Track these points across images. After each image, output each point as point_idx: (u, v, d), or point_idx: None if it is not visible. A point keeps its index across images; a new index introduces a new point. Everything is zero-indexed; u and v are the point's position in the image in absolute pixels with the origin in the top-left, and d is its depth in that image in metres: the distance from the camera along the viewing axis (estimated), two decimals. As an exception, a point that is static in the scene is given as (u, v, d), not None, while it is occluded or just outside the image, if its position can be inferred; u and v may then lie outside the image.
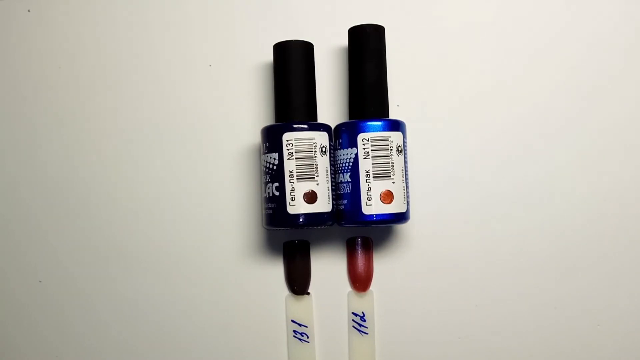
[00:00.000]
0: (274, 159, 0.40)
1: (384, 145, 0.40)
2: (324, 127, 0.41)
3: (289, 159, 0.40)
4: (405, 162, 0.41)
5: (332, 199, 0.41)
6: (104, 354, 0.45)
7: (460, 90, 0.45)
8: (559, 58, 0.45)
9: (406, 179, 0.41)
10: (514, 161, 0.45)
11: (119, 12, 0.46)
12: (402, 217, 0.41)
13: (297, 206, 0.40)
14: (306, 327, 0.44)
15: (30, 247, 0.46)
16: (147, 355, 0.45)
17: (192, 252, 0.45)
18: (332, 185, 0.41)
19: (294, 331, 0.44)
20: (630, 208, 0.45)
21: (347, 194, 0.41)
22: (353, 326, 0.44)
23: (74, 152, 0.46)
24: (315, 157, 0.40)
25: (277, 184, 0.40)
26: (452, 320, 0.45)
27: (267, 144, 0.41)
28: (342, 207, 0.41)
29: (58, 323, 0.46)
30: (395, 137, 0.41)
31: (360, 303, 0.44)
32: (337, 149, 0.41)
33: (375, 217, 0.40)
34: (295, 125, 0.40)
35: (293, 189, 0.40)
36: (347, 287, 0.45)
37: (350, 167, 0.41)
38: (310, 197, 0.40)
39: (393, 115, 0.44)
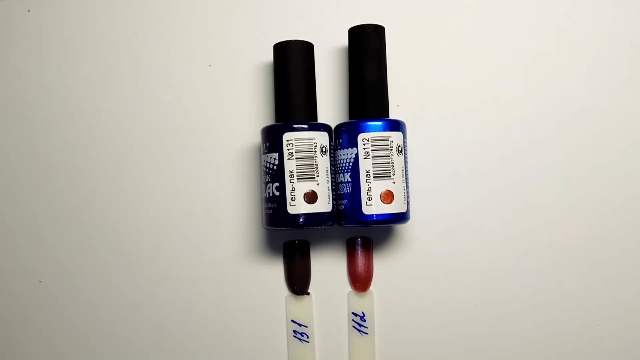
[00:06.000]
0: (274, 159, 0.40)
1: (384, 145, 0.40)
2: (324, 127, 0.41)
3: (289, 159, 0.40)
4: (406, 162, 0.41)
5: (332, 199, 0.41)
6: (104, 354, 0.45)
7: (460, 90, 0.45)
8: (559, 58, 0.45)
9: (406, 179, 0.41)
10: (514, 161, 0.45)
11: (119, 12, 0.46)
12: (402, 217, 0.41)
13: (298, 206, 0.40)
14: (306, 327, 0.44)
15: (30, 247, 0.46)
16: (147, 355, 0.45)
17: (192, 252, 0.45)
18: (332, 185, 0.41)
19: (294, 331, 0.44)
20: (630, 208, 0.45)
21: (347, 194, 0.41)
22: (353, 326, 0.44)
23: (73, 152, 0.46)
24: (316, 157, 0.40)
25: (277, 184, 0.40)
26: (452, 320, 0.45)
27: (268, 144, 0.41)
28: (342, 207, 0.41)
29: (58, 323, 0.46)
30: (395, 137, 0.41)
31: (360, 303, 0.44)
32: (337, 149, 0.41)
33: (376, 217, 0.40)
34: (295, 125, 0.40)
35: (293, 189, 0.40)
36: (347, 287, 0.45)
37: (350, 167, 0.41)
38: (311, 197, 0.40)
39: (393, 115, 0.44)
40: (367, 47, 0.41)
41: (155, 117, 0.46)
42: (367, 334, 0.44)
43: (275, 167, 0.40)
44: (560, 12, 0.46)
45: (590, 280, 0.45)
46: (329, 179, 0.41)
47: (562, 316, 0.45)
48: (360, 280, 0.44)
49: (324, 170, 0.40)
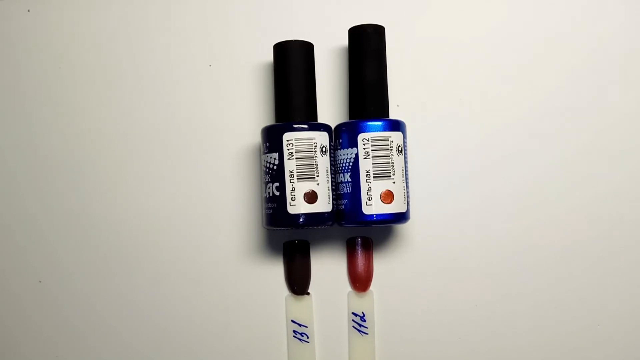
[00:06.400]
0: (274, 158, 0.40)
1: (384, 145, 0.40)
2: (324, 127, 0.41)
3: (289, 159, 0.40)
4: (405, 162, 0.41)
5: (332, 199, 0.41)
6: (104, 354, 0.45)
7: (460, 90, 0.45)
8: (559, 58, 0.45)
9: (406, 179, 0.41)
10: (513, 161, 0.45)
11: (119, 12, 0.46)
12: (402, 217, 0.41)
13: (298, 206, 0.40)
14: (306, 327, 0.44)
15: (30, 247, 0.46)
16: (147, 355, 0.45)
17: (192, 252, 0.45)
18: (332, 185, 0.41)
19: (294, 331, 0.44)
20: (629, 208, 0.45)
21: (347, 194, 0.41)
22: (353, 326, 0.44)
23: (73, 153, 0.46)
24: (316, 157, 0.40)
25: (277, 184, 0.40)
26: (452, 320, 0.45)
27: (268, 144, 0.41)
28: (342, 207, 0.41)
29: (58, 323, 0.46)
30: (395, 137, 0.41)
31: (360, 303, 0.44)
32: (337, 149, 0.41)
33: (376, 217, 0.40)
34: (295, 125, 0.40)
35: (293, 189, 0.40)
36: (347, 287, 0.45)
37: (350, 167, 0.41)
38: (311, 197, 0.40)
39: (393, 115, 0.44)
40: (367, 47, 0.41)
41: (155, 117, 0.46)
42: (367, 334, 0.44)
43: (275, 167, 0.40)
44: (560, 13, 0.46)
45: (590, 280, 0.45)
46: (329, 179, 0.41)
47: (562, 316, 0.45)
48: (360, 280, 0.44)
49: (324, 170, 0.40)
